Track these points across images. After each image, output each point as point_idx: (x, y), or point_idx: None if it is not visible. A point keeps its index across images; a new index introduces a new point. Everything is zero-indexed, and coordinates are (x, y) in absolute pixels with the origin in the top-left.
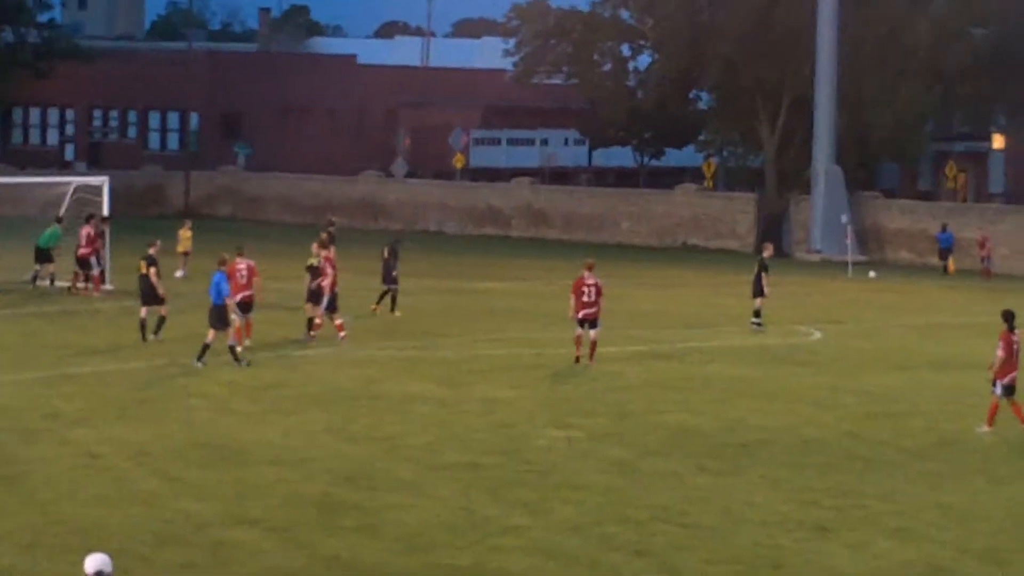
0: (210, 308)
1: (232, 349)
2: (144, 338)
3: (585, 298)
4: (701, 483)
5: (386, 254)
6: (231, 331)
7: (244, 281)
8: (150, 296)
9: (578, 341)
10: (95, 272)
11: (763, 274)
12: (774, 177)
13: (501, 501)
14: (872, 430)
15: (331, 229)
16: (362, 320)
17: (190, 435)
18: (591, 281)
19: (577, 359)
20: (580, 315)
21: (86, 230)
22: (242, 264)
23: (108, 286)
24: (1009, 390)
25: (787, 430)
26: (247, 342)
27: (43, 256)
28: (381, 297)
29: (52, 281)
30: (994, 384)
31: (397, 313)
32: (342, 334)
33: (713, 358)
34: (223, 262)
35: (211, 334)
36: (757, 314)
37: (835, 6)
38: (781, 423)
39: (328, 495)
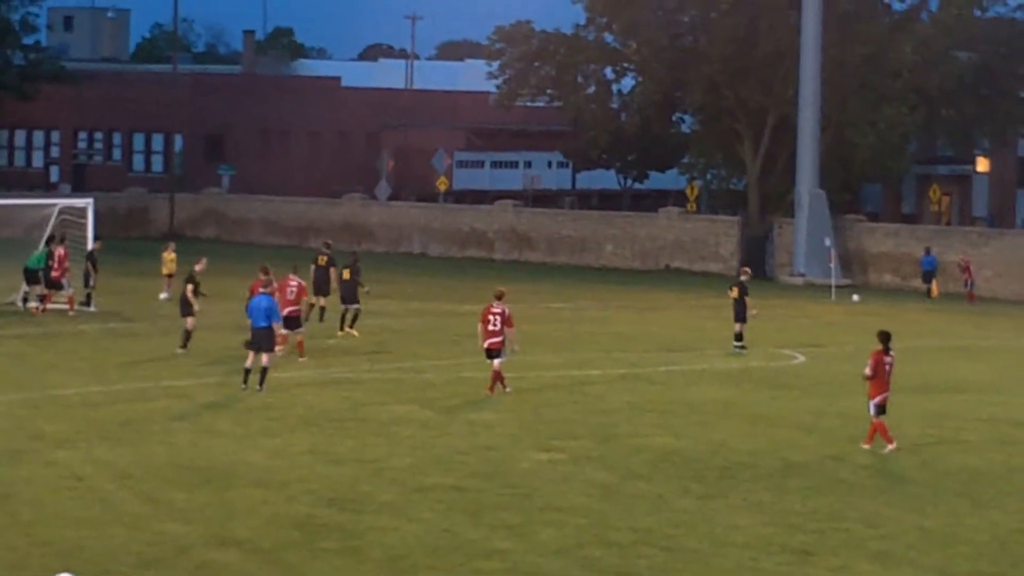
0: (253, 331)
1: (264, 372)
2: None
3: (491, 326)
4: (684, 506)
5: (346, 275)
6: (266, 356)
7: (292, 297)
8: (188, 308)
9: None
10: (69, 292)
11: (745, 298)
12: (757, 200)
13: (484, 524)
14: (855, 453)
15: (327, 252)
16: (344, 342)
17: (174, 457)
18: (498, 309)
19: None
20: (486, 344)
21: (59, 251)
22: (293, 282)
23: (92, 308)
24: (880, 409)
25: (770, 453)
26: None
27: (32, 278)
28: (343, 320)
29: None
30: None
31: (354, 332)
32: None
33: (696, 381)
34: (266, 284)
35: (251, 357)
36: (739, 337)
37: (818, 27)
38: (764, 446)
39: (312, 517)
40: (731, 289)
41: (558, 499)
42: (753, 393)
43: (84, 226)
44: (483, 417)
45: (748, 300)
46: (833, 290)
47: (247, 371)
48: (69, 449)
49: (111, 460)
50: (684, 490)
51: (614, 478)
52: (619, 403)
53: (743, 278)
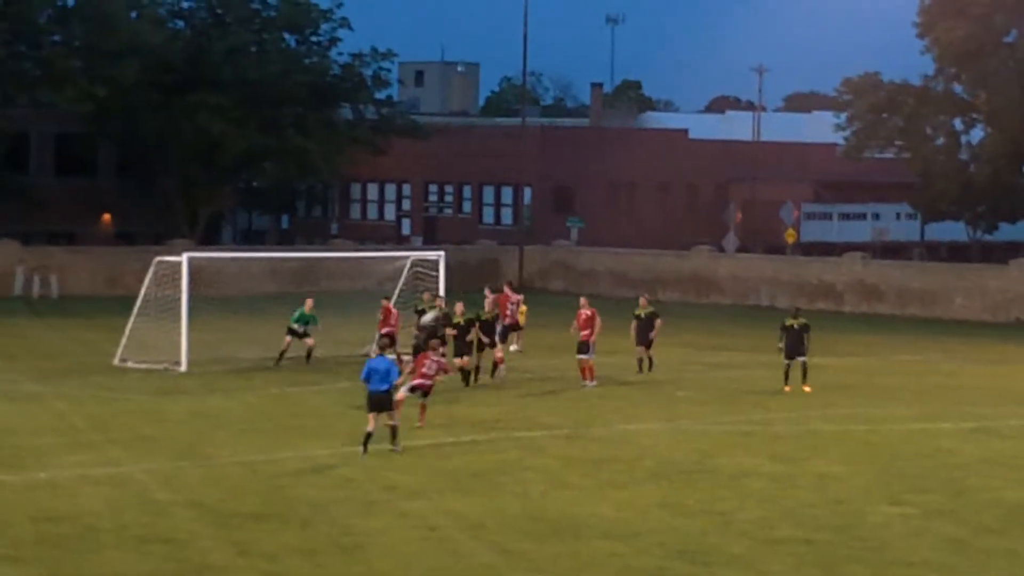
0: (369, 395)
1: (394, 429)
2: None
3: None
4: None
5: (797, 326)
6: (388, 416)
7: (586, 326)
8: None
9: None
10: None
11: None
12: None
13: None
14: None
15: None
16: (696, 393)
17: (524, 508)
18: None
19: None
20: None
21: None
22: (587, 311)
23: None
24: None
25: None
26: (592, 384)
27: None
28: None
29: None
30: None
31: (807, 388)
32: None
33: None
34: (385, 348)
35: (372, 421)
36: None
37: None
38: None
39: (662, 570)
40: None
41: (909, 553)
42: None
43: (436, 278)
44: (833, 470)
45: None
46: None
47: (368, 435)
48: (421, 500)
49: (463, 511)
50: None
51: (966, 532)
52: (970, 457)
53: None
